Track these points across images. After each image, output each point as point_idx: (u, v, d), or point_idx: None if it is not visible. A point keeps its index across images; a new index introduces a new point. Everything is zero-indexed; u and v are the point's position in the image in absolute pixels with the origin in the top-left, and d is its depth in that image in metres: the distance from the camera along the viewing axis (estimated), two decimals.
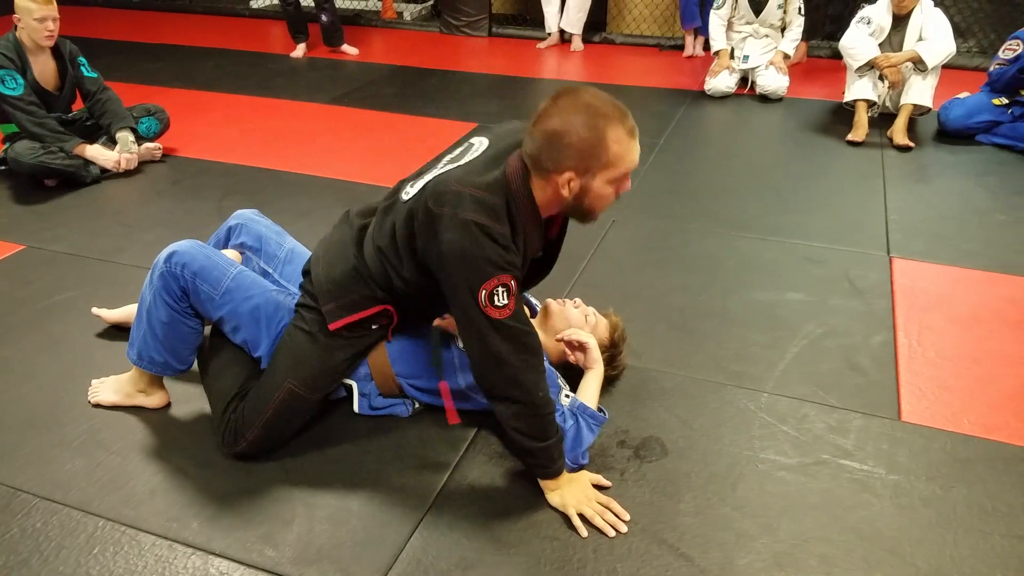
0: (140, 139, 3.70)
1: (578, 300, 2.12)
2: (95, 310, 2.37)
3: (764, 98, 4.60)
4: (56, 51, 3.47)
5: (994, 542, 1.65)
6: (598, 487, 1.78)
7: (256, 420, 1.81)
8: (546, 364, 1.93)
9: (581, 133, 1.53)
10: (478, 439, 1.95)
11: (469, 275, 1.55)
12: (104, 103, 3.60)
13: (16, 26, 3.31)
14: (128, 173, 3.61)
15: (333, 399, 2.00)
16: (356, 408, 1.97)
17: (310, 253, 2.12)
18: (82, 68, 3.57)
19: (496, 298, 1.55)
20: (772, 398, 2.10)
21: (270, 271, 2.10)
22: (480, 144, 1.71)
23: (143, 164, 3.71)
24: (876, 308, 2.52)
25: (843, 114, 4.23)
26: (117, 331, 2.35)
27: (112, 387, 2.05)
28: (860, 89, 4.04)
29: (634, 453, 1.91)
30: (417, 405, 2.01)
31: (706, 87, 4.62)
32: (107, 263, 2.82)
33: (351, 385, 1.95)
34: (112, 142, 3.59)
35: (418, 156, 3.67)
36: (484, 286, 1.54)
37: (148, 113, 3.80)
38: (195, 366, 2.02)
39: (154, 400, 2.04)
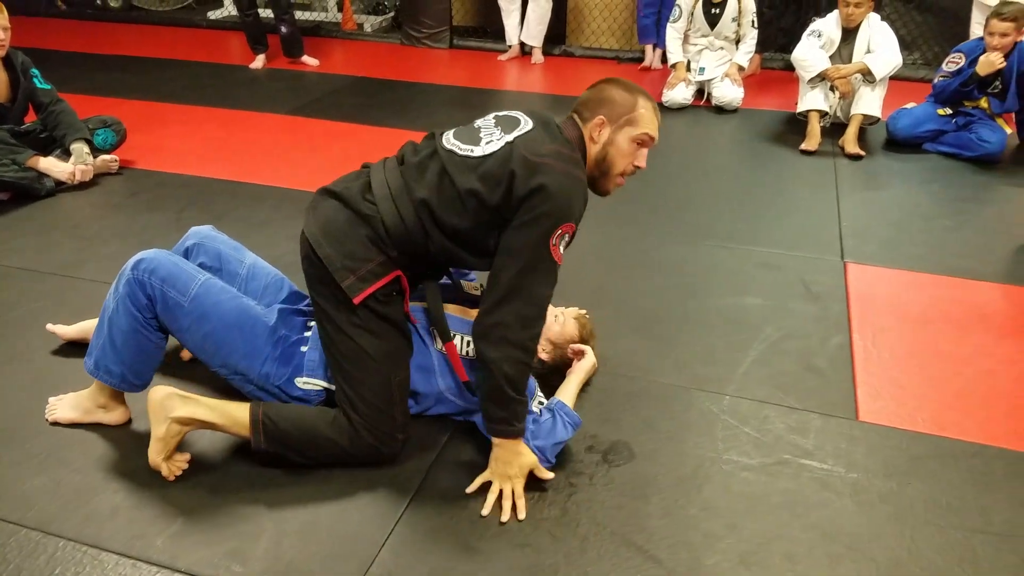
0: (96, 151, 3.63)
1: (557, 311, 2.16)
2: (50, 326, 2.32)
3: (720, 109, 4.70)
4: (7, 62, 3.41)
5: (949, 535, 1.71)
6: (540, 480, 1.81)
7: (394, 412, 1.82)
8: None
9: (619, 93, 1.82)
10: (448, 447, 1.96)
11: (558, 213, 1.66)
12: (58, 115, 3.52)
13: None
14: (83, 186, 3.53)
15: (306, 403, 1.95)
16: None
17: (269, 268, 2.13)
18: (35, 80, 3.50)
19: (563, 243, 1.71)
20: (734, 400, 2.15)
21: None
22: (524, 118, 1.82)
23: (99, 177, 3.64)
24: (832, 311, 2.59)
25: (796, 124, 4.35)
26: (75, 348, 2.30)
27: (71, 404, 2.01)
28: (812, 100, 4.16)
29: (602, 457, 1.94)
30: None
31: (663, 99, 4.70)
32: (64, 278, 2.76)
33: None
34: (67, 154, 3.52)
35: None
36: (564, 227, 1.68)
37: (104, 125, 3.73)
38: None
39: (114, 416, 2.00)
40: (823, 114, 4.18)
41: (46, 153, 3.50)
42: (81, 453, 1.91)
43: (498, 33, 5.91)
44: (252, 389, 1.94)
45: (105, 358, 1.88)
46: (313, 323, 1.95)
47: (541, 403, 1.96)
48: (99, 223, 3.23)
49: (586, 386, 2.17)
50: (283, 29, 5.38)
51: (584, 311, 2.37)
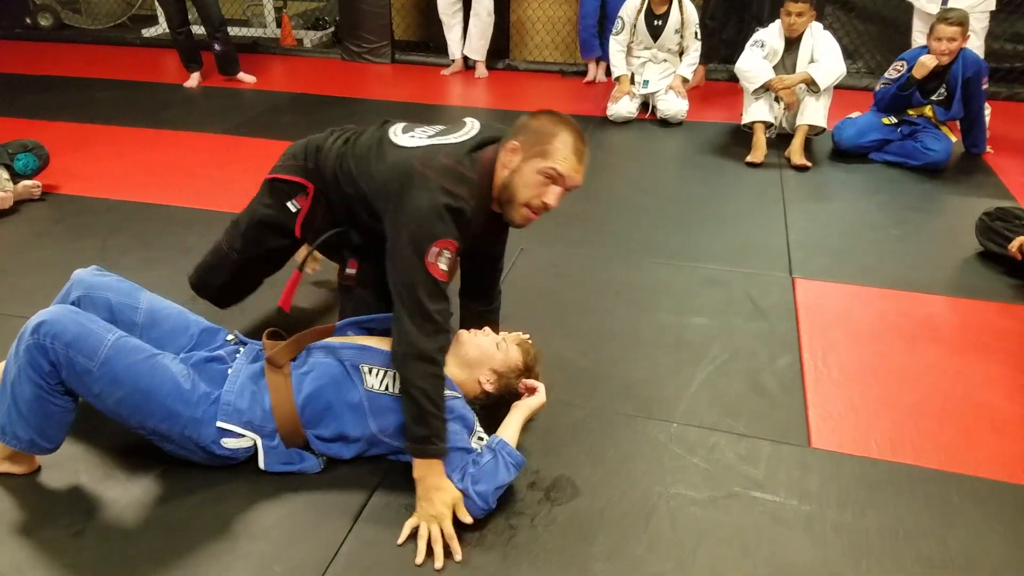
0: (16, 177, 3.45)
1: (487, 328, 2.04)
2: None
3: (665, 122, 4.65)
4: None
5: (906, 567, 1.64)
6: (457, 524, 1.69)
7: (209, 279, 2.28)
8: (460, 401, 1.86)
9: (545, 123, 1.81)
10: (379, 491, 1.83)
11: (417, 228, 1.71)
12: None
13: None
14: (3, 213, 3.36)
15: (233, 462, 1.84)
16: (262, 464, 1.83)
17: (170, 307, 1.98)
18: None
19: (443, 260, 1.71)
20: (681, 428, 2.06)
21: None
22: (473, 127, 1.93)
23: (20, 204, 3.46)
24: (780, 328, 2.52)
25: (742, 136, 4.32)
26: None
27: None
28: (757, 111, 4.13)
29: (545, 495, 1.83)
30: (323, 460, 1.89)
31: (608, 113, 4.64)
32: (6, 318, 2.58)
33: (255, 441, 1.81)
34: None
35: None
36: (439, 244, 1.70)
37: (25, 149, 3.54)
38: None
39: (22, 466, 1.84)
40: (768, 125, 4.15)
41: None
42: None
43: (441, 47, 5.81)
44: (173, 448, 1.81)
45: (11, 424, 1.73)
46: (232, 370, 1.83)
47: (481, 439, 1.84)
48: (20, 255, 3.04)
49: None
50: (216, 47, 5.22)
51: (527, 336, 2.27)
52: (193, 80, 5.32)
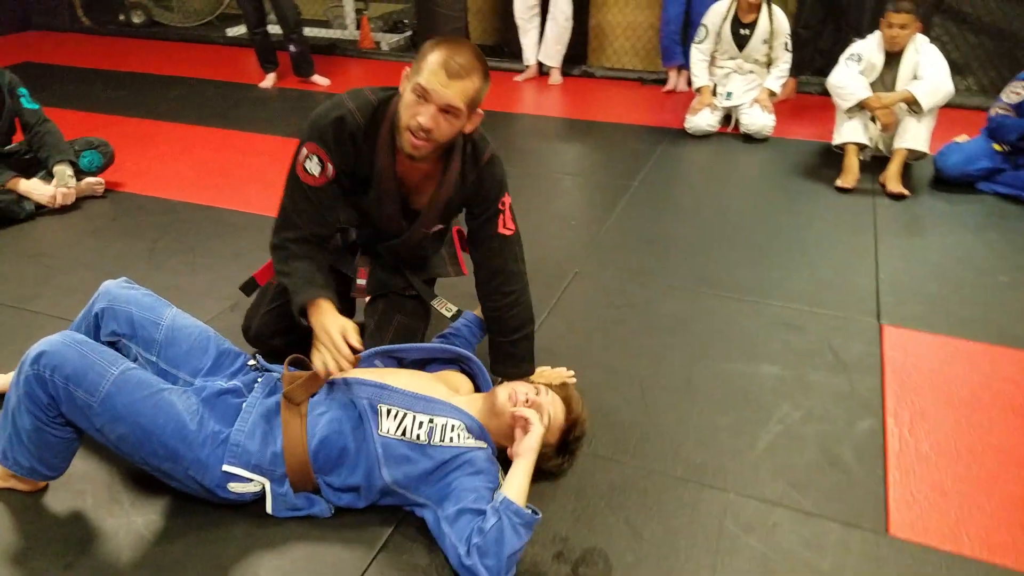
0: (80, 173, 3.48)
1: (538, 385, 1.84)
2: None
3: (748, 138, 4.33)
4: None
5: None
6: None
7: None
8: (485, 452, 1.70)
9: (425, 45, 1.74)
10: (390, 544, 1.65)
11: (303, 133, 1.83)
12: (43, 136, 3.42)
13: None
14: (65, 209, 3.39)
15: (240, 503, 1.72)
16: (270, 509, 1.70)
17: (193, 325, 1.88)
18: (21, 99, 3.40)
19: (309, 164, 1.81)
20: (738, 499, 1.80)
21: (153, 359, 1.81)
22: None
23: (83, 200, 3.49)
24: (862, 387, 2.22)
25: (832, 156, 3.96)
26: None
27: None
28: (850, 131, 3.77)
29: (572, 570, 1.61)
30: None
31: (686, 125, 4.35)
32: (15, 310, 2.59)
33: (263, 485, 1.68)
34: (50, 176, 3.39)
35: None
36: (306, 146, 1.82)
37: (90, 146, 3.58)
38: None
39: (26, 485, 1.78)
40: (862, 147, 3.79)
41: (29, 175, 3.39)
42: None
43: (517, 52, 5.62)
44: (178, 486, 1.70)
45: (12, 450, 1.67)
46: (247, 403, 1.72)
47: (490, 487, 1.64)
48: (70, 251, 3.06)
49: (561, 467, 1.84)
50: (291, 48, 5.19)
51: (571, 373, 2.07)
52: (268, 81, 5.31)
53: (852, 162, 3.71)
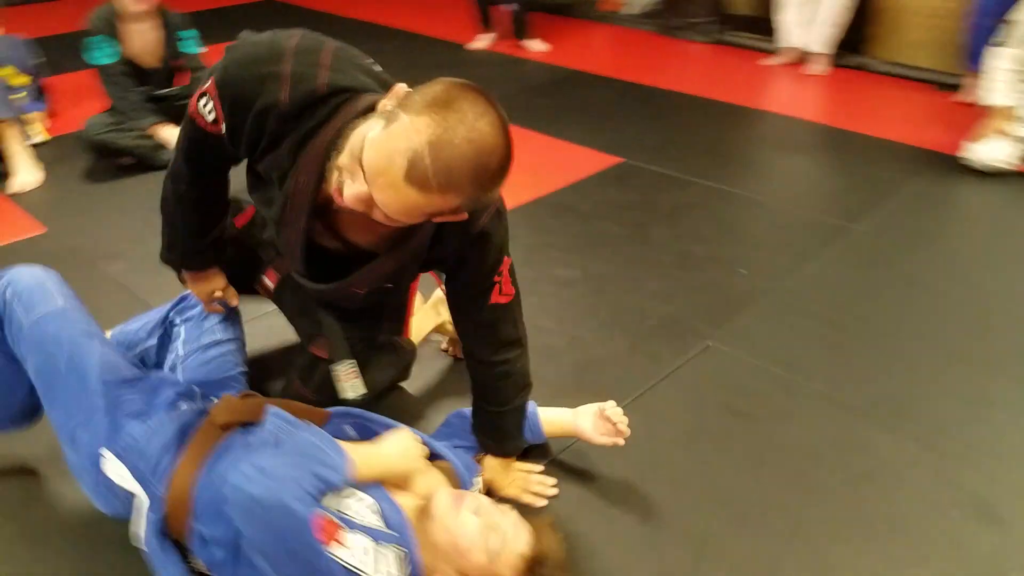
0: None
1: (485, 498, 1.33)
2: None
3: None
4: (160, 22, 3.25)
5: None
6: None
7: None
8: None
9: None
10: None
11: (219, 62, 1.35)
12: (198, 83, 3.27)
13: None
14: None
15: (111, 502, 1.44)
16: (140, 534, 1.37)
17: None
18: (189, 42, 3.33)
19: (202, 102, 1.37)
20: None
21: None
22: None
23: None
24: None
25: None
26: None
27: None
28: None
29: None
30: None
31: (967, 154, 3.16)
32: (91, 268, 2.52)
33: (138, 495, 1.37)
34: None
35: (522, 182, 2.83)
36: (210, 80, 1.34)
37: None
38: None
39: None
40: None
41: (180, 122, 3.27)
42: None
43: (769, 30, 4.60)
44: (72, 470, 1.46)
45: None
46: (179, 409, 1.46)
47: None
48: None
49: None
50: (508, 5, 4.72)
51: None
52: (479, 41, 4.89)
53: None
